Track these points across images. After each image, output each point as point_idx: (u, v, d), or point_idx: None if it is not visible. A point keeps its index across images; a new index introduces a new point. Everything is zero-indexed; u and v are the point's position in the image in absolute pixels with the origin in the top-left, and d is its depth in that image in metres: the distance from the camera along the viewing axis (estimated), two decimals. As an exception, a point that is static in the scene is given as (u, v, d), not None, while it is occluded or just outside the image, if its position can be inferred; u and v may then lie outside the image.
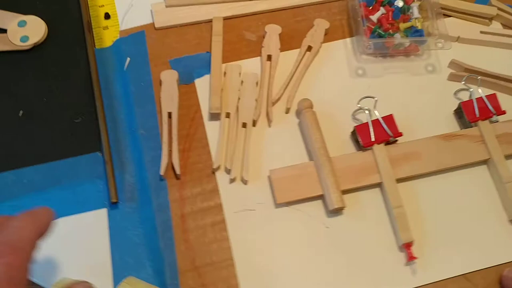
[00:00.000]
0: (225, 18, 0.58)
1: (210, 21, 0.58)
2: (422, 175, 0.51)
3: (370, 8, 0.57)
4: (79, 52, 0.58)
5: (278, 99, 0.55)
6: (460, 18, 0.60)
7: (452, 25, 0.59)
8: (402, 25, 0.55)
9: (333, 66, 0.57)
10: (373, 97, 0.52)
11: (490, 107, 0.52)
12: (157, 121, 0.54)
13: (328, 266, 0.48)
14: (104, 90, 0.56)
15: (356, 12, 0.55)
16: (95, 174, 0.52)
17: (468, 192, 0.51)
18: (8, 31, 0.57)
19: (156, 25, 0.58)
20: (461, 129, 0.53)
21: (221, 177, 0.51)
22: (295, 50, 0.58)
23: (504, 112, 0.52)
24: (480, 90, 0.53)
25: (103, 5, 0.60)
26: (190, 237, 0.49)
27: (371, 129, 0.51)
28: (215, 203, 0.50)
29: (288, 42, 0.58)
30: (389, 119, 0.51)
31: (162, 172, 0.51)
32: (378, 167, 0.50)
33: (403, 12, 0.56)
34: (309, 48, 0.57)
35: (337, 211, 0.49)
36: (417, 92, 0.55)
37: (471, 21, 0.60)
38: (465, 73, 0.55)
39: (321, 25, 0.58)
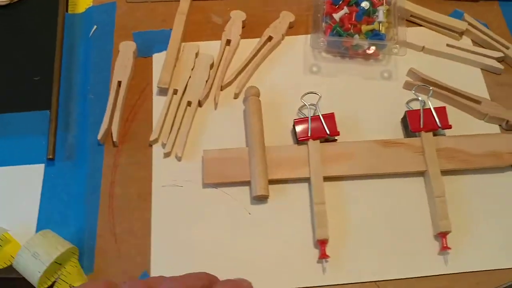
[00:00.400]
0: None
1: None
2: (356, 177, 0.51)
3: (336, 6, 0.56)
4: (52, 14, 0.60)
5: (228, 83, 0.55)
6: (431, 29, 0.59)
7: (420, 35, 0.58)
8: (364, 27, 0.55)
9: (290, 60, 0.57)
10: (317, 94, 0.52)
11: (436, 119, 0.51)
12: (108, 89, 0.55)
13: (244, 251, 0.48)
14: (67, 54, 0.58)
15: (318, 8, 0.55)
16: (41, 131, 0.54)
17: (400, 201, 0.50)
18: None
19: (128, -2, 0.60)
20: (405, 138, 0.52)
21: (157, 151, 0.52)
22: (257, 38, 0.58)
23: (449, 127, 0.51)
24: (429, 101, 0.52)
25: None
26: (115, 203, 0.50)
27: (310, 125, 0.51)
28: (146, 175, 0.51)
29: (252, 30, 0.59)
30: (330, 117, 0.51)
31: (99, 136, 0.52)
32: (309, 162, 0.50)
33: (368, 15, 0.55)
34: (270, 39, 0.57)
35: (261, 199, 0.49)
36: (368, 96, 0.55)
37: (441, 33, 0.59)
38: (421, 82, 0.54)
39: (286, 17, 0.58)
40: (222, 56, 0.56)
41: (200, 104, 0.54)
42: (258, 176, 0.48)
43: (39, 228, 0.50)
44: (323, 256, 0.47)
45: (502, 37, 0.58)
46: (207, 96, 0.54)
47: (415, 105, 0.54)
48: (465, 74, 0.57)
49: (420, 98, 0.52)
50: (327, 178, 0.50)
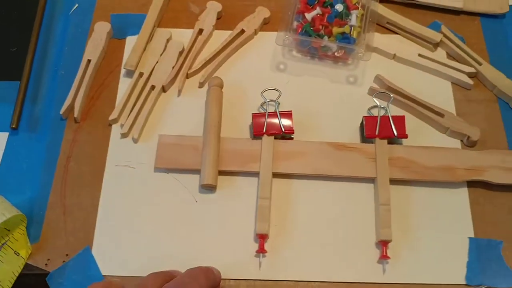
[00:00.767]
0: (176, -14, 0.60)
1: (161, -14, 0.60)
2: (307, 176, 0.51)
3: (311, 7, 0.56)
4: (36, -12, 0.61)
5: (195, 72, 0.56)
6: (406, 37, 0.59)
7: (395, 42, 0.58)
8: (335, 30, 0.55)
9: (259, 55, 0.58)
10: (277, 90, 0.52)
11: (393, 127, 0.51)
12: (79, 66, 0.56)
13: (186, 237, 0.49)
14: (45, 28, 0.60)
15: (290, 6, 0.55)
16: (10, 100, 0.55)
17: (348, 205, 0.50)
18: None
19: (111, -20, 0.61)
20: (361, 143, 0.52)
21: (116, 131, 0.53)
22: (231, 31, 0.58)
23: (405, 136, 0.51)
24: (389, 109, 0.52)
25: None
26: (68, 177, 0.51)
27: (266, 120, 0.51)
28: (101, 153, 0.52)
29: (228, 22, 0.59)
30: (287, 115, 0.51)
31: (61, 111, 0.53)
32: (260, 157, 0.50)
33: (340, 17, 0.55)
34: (243, 32, 0.58)
35: (209, 188, 0.50)
36: (331, 99, 0.55)
37: (416, 43, 0.59)
38: (386, 90, 0.54)
39: (261, 13, 0.58)
40: (193, 44, 0.57)
41: (164, 89, 0.55)
42: (207, 166, 0.49)
43: (-6, 192, 0.51)
44: (260, 251, 0.47)
45: (478, 53, 0.58)
46: (172, 82, 0.55)
47: (377, 112, 0.54)
48: (434, 86, 0.56)
49: (380, 105, 0.52)
50: (277, 175, 0.51)
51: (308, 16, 0.55)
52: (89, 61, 0.55)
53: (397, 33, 0.59)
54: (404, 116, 0.52)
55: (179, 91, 0.55)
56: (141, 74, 0.55)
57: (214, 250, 0.48)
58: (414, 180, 0.51)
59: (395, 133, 0.51)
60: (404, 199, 0.50)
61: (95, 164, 0.52)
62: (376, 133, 0.51)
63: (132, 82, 0.54)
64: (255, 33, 0.58)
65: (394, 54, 0.57)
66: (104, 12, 0.60)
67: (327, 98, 0.55)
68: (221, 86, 0.54)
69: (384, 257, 0.47)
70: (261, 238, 0.47)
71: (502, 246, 0.48)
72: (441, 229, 0.49)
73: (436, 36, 0.57)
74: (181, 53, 0.56)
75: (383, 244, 0.47)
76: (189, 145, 0.51)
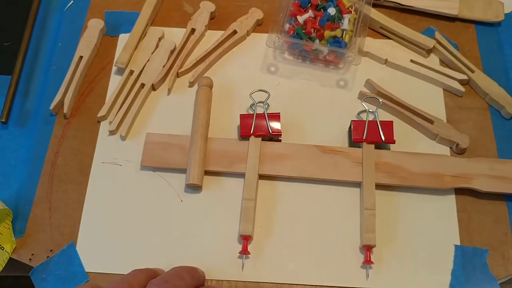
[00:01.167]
0: (170, -15, 0.60)
1: (156, -16, 0.60)
2: (293, 179, 0.51)
3: (303, 9, 0.56)
4: (32, -16, 0.61)
5: (185, 71, 0.56)
6: (399, 43, 0.59)
7: (387, 47, 0.58)
8: (327, 33, 0.54)
9: (251, 57, 0.57)
10: (266, 92, 0.52)
11: (381, 132, 0.51)
12: (71, 62, 0.56)
13: (171, 236, 0.49)
14: (40, 24, 0.60)
15: (283, 9, 0.55)
16: (1, 94, 0.55)
17: (333, 208, 0.50)
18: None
19: (106, -23, 0.61)
20: (349, 147, 0.52)
21: (104, 128, 0.53)
22: (223, 31, 0.58)
23: (393, 141, 0.51)
24: (377, 114, 0.52)
25: None
26: (56, 172, 0.52)
27: (254, 121, 0.51)
28: (89, 150, 0.53)
29: (221, 22, 0.59)
30: (275, 117, 0.51)
31: (51, 107, 0.53)
32: (247, 158, 0.50)
33: (332, 21, 0.55)
34: (235, 33, 0.58)
35: (195, 188, 0.50)
36: (321, 102, 0.55)
37: (409, 49, 0.58)
38: (376, 95, 0.54)
39: (254, 14, 0.58)
40: (184, 44, 0.57)
41: (154, 88, 0.55)
42: (193, 165, 0.49)
43: (-19, 186, 0.51)
44: (243, 252, 0.47)
45: (472, 61, 0.57)
46: (162, 81, 0.55)
47: (365, 117, 0.54)
48: (425, 92, 0.56)
49: (369, 110, 0.52)
50: (263, 176, 0.51)
51: (300, 19, 0.55)
52: (81, 57, 0.56)
53: (390, 38, 0.59)
54: (392, 121, 0.51)
55: (169, 90, 0.55)
56: (131, 72, 0.55)
57: (198, 249, 0.48)
58: (400, 186, 0.50)
59: (383, 138, 0.51)
60: (390, 204, 0.50)
61: (83, 160, 0.52)
62: (364, 137, 0.51)
63: (122, 80, 0.55)
64: (248, 34, 0.58)
65: (386, 59, 0.57)
66: (99, 9, 0.60)
67: (317, 101, 0.55)
68: (211, 86, 0.54)
69: (367, 262, 0.47)
70: (245, 239, 0.47)
71: (487, 254, 0.48)
72: (426, 236, 0.49)
73: (429, 42, 0.57)
74: (172, 52, 0.56)
75: (367, 249, 0.47)
76: (176, 144, 0.51)
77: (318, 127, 0.54)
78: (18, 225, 0.49)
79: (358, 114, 0.54)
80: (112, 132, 0.53)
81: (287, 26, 0.55)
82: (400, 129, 0.54)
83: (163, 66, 0.55)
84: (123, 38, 0.58)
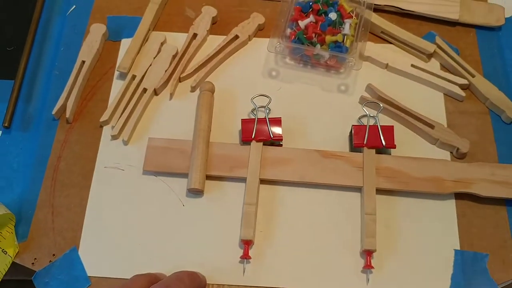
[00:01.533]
0: (172, -9, 0.61)
1: (157, -11, 0.61)
2: (294, 184, 0.51)
3: (305, 14, 0.57)
4: (35, -11, 0.62)
5: (187, 76, 0.56)
6: (400, 48, 0.59)
7: (388, 52, 0.58)
8: (328, 38, 0.55)
9: (252, 61, 0.58)
10: (267, 97, 0.53)
11: (381, 137, 0.51)
12: (73, 67, 0.57)
13: (173, 241, 0.49)
14: (42, 28, 0.60)
15: (284, 14, 0.56)
16: (3, 99, 0.56)
17: (334, 213, 0.50)
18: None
19: (108, -18, 0.61)
20: (350, 152, 0.52)
21: (107, 132, 0.54)
22: (225, 36, 0.59)
23: (394, 146, 0.51)
24: (378, 119, 0.52)
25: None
26: (58, 177, 0.52)
27: (255, 126, 0.51)
28: (92, 154, 0.53)
29: (223, 27, 0.60)
30: (276, 121, 0.52)
31: (54, 111, 0.54)
32: (248, 163, 0.50)
33: (334, 26, 0.55)
34: (237, 38, 0.58)
35: (196, 192, 0.50)
36: (322, 107, 0.55)
37: (410, 53, 0.59)
38: (377, 99, 0.54)
39: (256, 19, 0.59)
40: (186, 49, 0.57)
41: (156, 92, 0.55)
42: (195, 170, 0.49)
43: (-16, 190, 0.52)
44: (244, 256, 0.47)
45: (473, 65, 0.57)
46: (164, 85, 0.55)
47: (366, 121, 0.54)
48: (426, 97, 0.56)
49: (370, 114, 0.52)
50: (265, 181, 0.51)
51: (302, 23, 0.55)
52: (83, 62, 0.56)
53: (391, 43, 0.59)
54: (393, 126, 0.52)
55: (171, 95, 0.55)
56: (134, 77, 0.55)
57: (199, 254, 0.48)
58: (401, 191, 0.51)
59: (384, 143, 0.51)
60: (391, 209, 0.50)
61: (85, 165, 0.52)
62: (365, 142, 0.51)
63: (125, 85, 0.55)
64: (249, 39, 0.58)
65: (387, 64, 0.57)
66: (101, 14, 0.61)
67: (318, 106, 0.55)
68: (213, 91, 0.54)
69: (368, 267, 0.47)
70: (246, 244, 0.48)
71: (487, 259, 0.48)
72: (426, 240, 0.49)
73: (429, 47, 0.57)
74: (174, 56, 0.56)
75: (367, 253, 0.48)
76: (178, 149, 0.51)
77: (319, 132, 0.54)
78: (21, 229, 0.50)
79: (359, 118, 0.54)
80: (114, 137, 0.53)
81: (288, 31, 0.56)
82: (401, 133, 0.54)
83: (165, 71, 0.55)
84: (125, 43, 0.58)
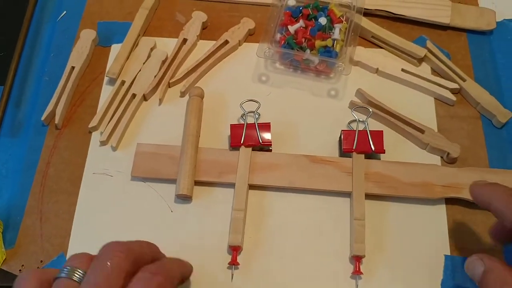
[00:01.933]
0: (163, -4, 0.61)
1: (149, -5, 0.61)
2: (283, 189, 0.51)
3: (295, 19, 0.56)
4: (25, -5, 0.62)
5: (177, 81, 0.56)
6: (391, 52, 0.59)
7: (379, 57, 0.58)
8: (318, 43, 0.54)
9: (242, 66, 0.58)
10: (256, 102, 0.52)
11: (371, 142, 0.51)
12: (63, 73, 0.57)
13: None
14: (33, 34, 0.60)
15: (274, 19, 0.55)
16: (-7, 105, 0.56)
17: (323, 218, 0.50)
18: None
19: (98, -12, 0.61)
20: (339, 157, 0.52)
21: (95, 138, 0.54)
22: (215, 41, 0.59)
23: (383, 151, 0.51)
24: (367, 124, 0.52)
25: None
26: (47, 183, 0.52)
27: (244, 131, 0.51)
28: (80, 160, 0.53)
29: (214, 32, 0.60)
30: (265, 126, 0.51)
31: (43, 117, 0.54)
32: (237, 168, 0.50)
33: (323, 30, 0.55)
34: (227, 43, 0.58)
35: (185, 198, 0.50)
36: (311, 112, 0.55)
37: (401, 58, 0.58)
38: (367, 104, 0.54)
39: (246, 24, 0.59)
40: (176, 54, 0.57)
41: (145, 98, 0.55)
42: (183, 176, 0.49)
43: (-28, 197, 0.52)
44: (233, 262, 0.47)
45: (463, 69, 0.57)
46: (153, 91, 0.55)
47: (359, 127, 0.53)
48: (417, 102, 0.56)
49: (359, 119, 0.52)
50: (254, 187, 0.51)
51: (291, 28, 0.55)
52: (73, 68, 0.56)
53: (381, 47, 0.59)
54: (382, 131, 0.51)
55: (160, 100, 0.55)
56: (123, 82, 0.55)
57: (188, 260, 0.48)
58: (390, 196, 0.50)
59: (373, 148, 0.51)
60: (380, 214, 0.50)
61: (74, 171, 0.52)
62: (354, 147, 0.51)
63: (114, 90, 0.55)
64: (239, 44, 0.58)
65: (377, 69, 0.57)
66: (91, 20, 0.61)
67: (308, 111, 0.55)
68: (202, 96, 0.54)
69: (357, 273, 0.47)
70: (234, 250, 0.47)
71: (478, 265, 0.48)
72: (416, 246, 0.49)
73: (420, 51, 0.57)
74: (164, 62, 0.56)
75: (356, 259, 0.47)
76: (167, 155, 0.51)
77: (309, 137, 0.54)
78: (8, 236, 0.50)
79: (349, 123, 0.54)
80: (103, 143, 0.53)
81: (278, 36, 0.56)
82: (391, 138, 0.54)
83: (155, 76, 0.55)
84: (115, 48, 0.58)
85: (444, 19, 0.60)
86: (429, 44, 0.58)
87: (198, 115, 0.52)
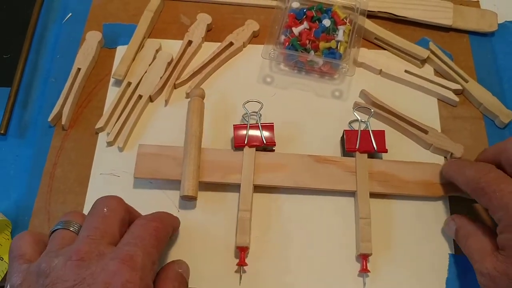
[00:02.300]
0: (168, -1, 0.61)
1: (153, -3, 0.61)
2: (288, 189, 0.51)
3: (299, 21, 0.57)
4: (31, -4, 0.62)
5: (182, 83, 0.57)
6: (394, 54, 0.59)
7: (382, 58, 0.58)
8: (322, 45, 0.55)
9: (247, 68, 0.58)
10: (259, 102, 0.53)
11: (373, 142, 0.51)
12: (69, 74, 0.57)
13: (167, 248, 0.49)
14: (39, 36, 0.61)
15: (278, 21, 0.56)
16: (0, 106, 0.56)
17: (329, 218, 0.50)
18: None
19: (104, -10, 0.62)
20: (342, 156, 0.53)
21: (102, 139, 0.54)
22: (220, 43, 0.59)
23: (385, 151, 0.51)
24: (369, 124, 0.52)
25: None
26: (54, 184, 0.52)
27: (247, 132, 0.52)
28: (87, 161, 0.53)
29: (217, 34, 0.60)
30: (269, 127, 0.52)
31: (49, 118, 0.54)
32: (241, 169, 0.51)
33: (327, 32, 0.56)
34: (232, 44, 0.58)
35: (190, 199, 0.50)
36: (315, 113, 0.55)
37: (404, 59, 0.59)
38: (371, 105, 0.55)
39: (250, 26, 0.59)
40: (181, 55, 0.57)
41: (151, 99, 0.56)
42: (187, 177, 0.49)
43: (-20, 197, 0.52)
44: (241, 263, 0.47)
45: (466, 70, 0.58)
46: (159, 92, 0.56)
47: (361, 127, 0.54)
48: (420, 102, 0.57)
49: (361, 119, 0.53)
50: (259, 187, 0.51)
51: (296, 30, 0.56)
52: (79, 69, 0.56)
53: (385, 49, 0.60)
54: (384, 130, 0.52)
55: (166, 101, 0.56)
56: (129, 84, 0.56)
57: (194, 261, 0.48)
58: (394, 194, 0.51)
59: (375, 147, 0.51)
60: (385, 212, 0.51)
61: (81, 171, 0.53)
62: (357, 147, 0.51)
63: (120, 91, 0.55)
64: (244, 45, 0.59)
65: (381, 70, 0.57)
66: (97, 22, 0.61)
67: (312, 112, 0.56)
68: (203, 97, 0.54)
69: (364, 271, 0.47)
70: (242, 250, 0.48)
71: (481, 263, 0.48)
72: (421, 244, 0.49)
73: (423, 53, 0.57)
74: (169, 63, 0.57)
75: (363, 257, 0.48)
76: (170, 155, 0.51)
77: (313, 137, 0.54)
78: (17, 236, 0.50)
79: (350, 123, 0.55)
80: (109, 144, 0.53)
81: (282, 37, 0.56)
82: (395, 139, 0.54)
83: (160, 78, 0.56)
84: (121, 50, 0.59)
85: (446, 21, 0.60)
86: (432, 45, 0.59)
87: (199, 115, 0.53)
